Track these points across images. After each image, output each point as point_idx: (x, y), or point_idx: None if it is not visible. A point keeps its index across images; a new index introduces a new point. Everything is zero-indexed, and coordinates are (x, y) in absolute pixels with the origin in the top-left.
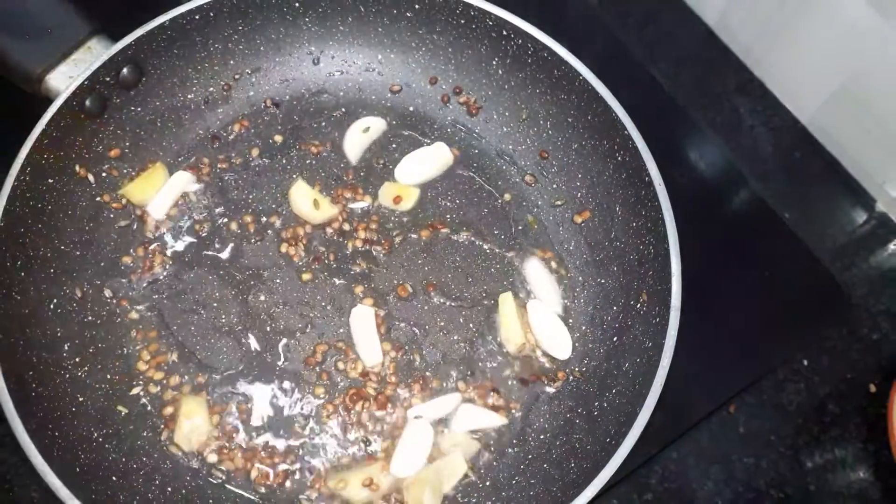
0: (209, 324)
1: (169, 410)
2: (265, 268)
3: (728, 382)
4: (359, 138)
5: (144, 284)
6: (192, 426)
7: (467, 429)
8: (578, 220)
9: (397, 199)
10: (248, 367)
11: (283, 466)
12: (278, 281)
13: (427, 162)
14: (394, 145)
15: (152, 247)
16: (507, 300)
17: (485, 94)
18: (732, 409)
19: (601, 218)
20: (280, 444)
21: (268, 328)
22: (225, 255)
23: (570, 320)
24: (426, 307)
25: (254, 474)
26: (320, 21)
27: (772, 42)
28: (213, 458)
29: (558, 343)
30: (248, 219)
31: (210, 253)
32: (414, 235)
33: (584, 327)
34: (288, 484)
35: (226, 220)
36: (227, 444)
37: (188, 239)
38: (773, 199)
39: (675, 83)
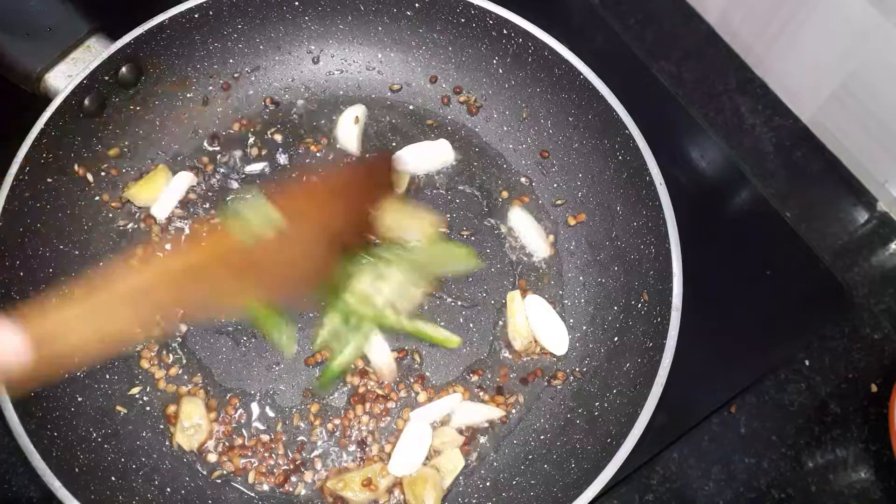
0: (209, 323)
1: (171, 409)
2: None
3: (729, 382)
4: (352, 129)
5: None
6: (193, 425)
7: (467, 426)
8: (573, 222)
9: None
10: (248, 367)
11: (282, 467)
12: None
13: (426, 154)
14: (394, 144)
15: (152, 247)
16: (514, 298)
17: (485, 93)
18: (733, 410)
19: (602, 217)
20: (280, 445)
21: None
22: None
23: (571, 320)
24: (426, 307)
25: (253, 475)
26: (320, 19)
27: (773, 41)
28: (213, 458)
29: (556, 338)
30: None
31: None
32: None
33: (584, 327)
34: (287, 485)
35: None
36: (226, 444)
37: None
38: (775, 199)
39: (676, 82)
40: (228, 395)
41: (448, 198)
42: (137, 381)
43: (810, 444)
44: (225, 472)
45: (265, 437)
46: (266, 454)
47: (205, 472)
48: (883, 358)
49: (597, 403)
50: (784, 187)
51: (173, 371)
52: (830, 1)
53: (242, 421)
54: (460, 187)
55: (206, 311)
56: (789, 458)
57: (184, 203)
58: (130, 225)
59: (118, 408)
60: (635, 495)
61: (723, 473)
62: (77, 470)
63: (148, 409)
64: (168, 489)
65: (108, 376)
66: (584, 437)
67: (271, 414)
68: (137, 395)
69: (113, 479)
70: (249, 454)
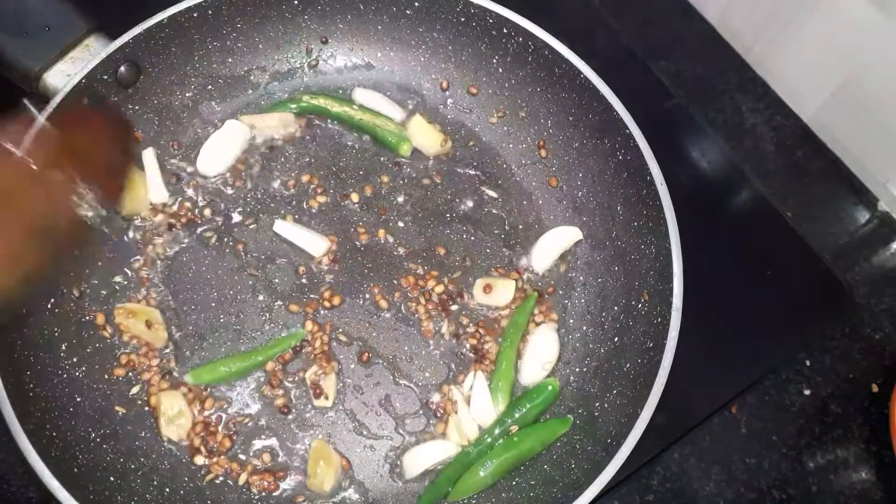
0: (206, 323)
1: (153, 402)
2: (265, 263)
3: (730, 382)
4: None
5: (142, 283)
6: (175, 414)
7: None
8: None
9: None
10: (247, 369)
11: (279, 467)
12: (276, 280)
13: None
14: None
15: (150, 245)
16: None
17: (485, 91)
18: (734, 410)
19: (602, 217)
20: (277, 444)
21: (266, 328)
22: (224, 250)
23: (571, 320)
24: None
25: (250, 475)
26: (319, 19)
27: (773, 40)
28: (209, 459)
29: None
30: (247, 213)
31: (209, 250)
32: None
33: (584, 327)
34: (283, 485)
35: (226, 214)
36: (218, 441)
37: (187, 235)
38: (775, 198)
39: (677, 81)
40: (222, 393)
41: (447, 196)
42: (136, 381)
43: (811, 444)
44: (222, 471)
45: (262, 436)
46: (263, 453)
47: (203, 472)
48: (883, 358)
49: (597, 403)
50: (785, 187)
51: (172, 368)
52: (831, 1)
53: (238, 421)
54: (459, 186)
55: None
56: (790, 459)
57: (182, 200)
58: (128, 222)
59: (117, 408)
60: (635, 495)
61: (723, 474)
62: (76, 470)
63: (147, 409)
64: (167, 489)
65: (106, 376)
66: (584, 437)
67: (266, 412)
68: (136, 395)
69: (112, 479)
70: (246, 455)
